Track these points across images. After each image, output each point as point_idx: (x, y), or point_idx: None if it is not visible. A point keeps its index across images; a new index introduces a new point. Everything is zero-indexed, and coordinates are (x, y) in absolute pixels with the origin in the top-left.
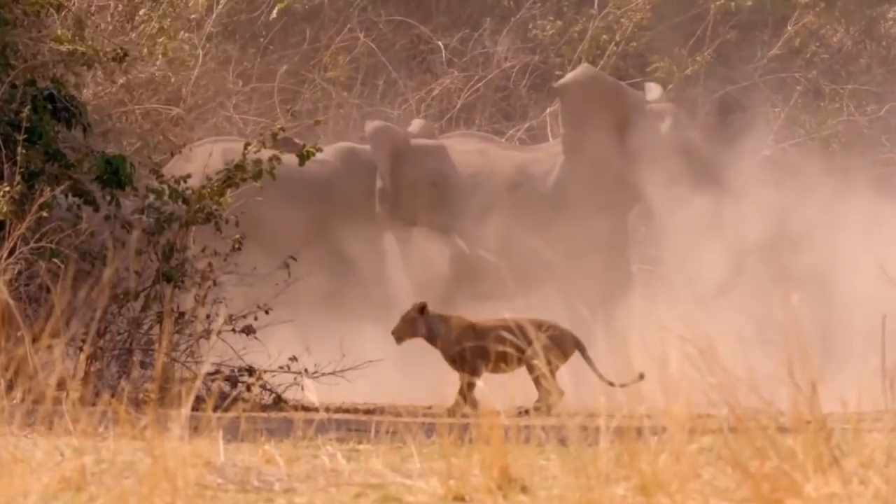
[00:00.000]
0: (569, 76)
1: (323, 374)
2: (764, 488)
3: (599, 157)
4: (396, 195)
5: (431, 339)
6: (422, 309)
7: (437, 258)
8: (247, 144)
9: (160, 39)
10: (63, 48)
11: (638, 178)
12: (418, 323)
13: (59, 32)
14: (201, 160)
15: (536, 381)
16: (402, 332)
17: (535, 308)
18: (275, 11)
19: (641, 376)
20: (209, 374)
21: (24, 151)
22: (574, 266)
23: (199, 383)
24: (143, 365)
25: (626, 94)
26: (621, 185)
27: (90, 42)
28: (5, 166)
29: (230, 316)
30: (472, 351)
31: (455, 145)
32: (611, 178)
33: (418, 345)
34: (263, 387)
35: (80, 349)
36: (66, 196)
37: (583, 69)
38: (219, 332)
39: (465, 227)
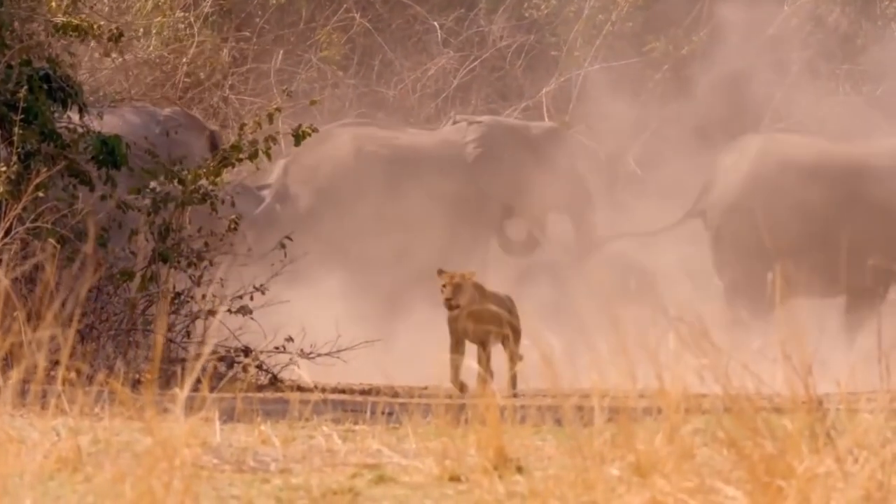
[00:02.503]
0: None
1: (320, 355)
2: (759, 469)
3: None
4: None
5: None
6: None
7: None
8: (242, 125)
9: (156, 19)
10: (58, 21)
11: None
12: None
13: (53, 4)
14: (331, 144)
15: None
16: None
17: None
18: None
19: None
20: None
21: (20, 132)
22: None
23: (201, 363)
24: (137, 345)
25: None
26: None
27: (85, 17)
28: (1, 147)
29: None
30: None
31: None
32: None
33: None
34: (259, 367)
35: (70, 326)
36: (62, 176)
37: None
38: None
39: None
